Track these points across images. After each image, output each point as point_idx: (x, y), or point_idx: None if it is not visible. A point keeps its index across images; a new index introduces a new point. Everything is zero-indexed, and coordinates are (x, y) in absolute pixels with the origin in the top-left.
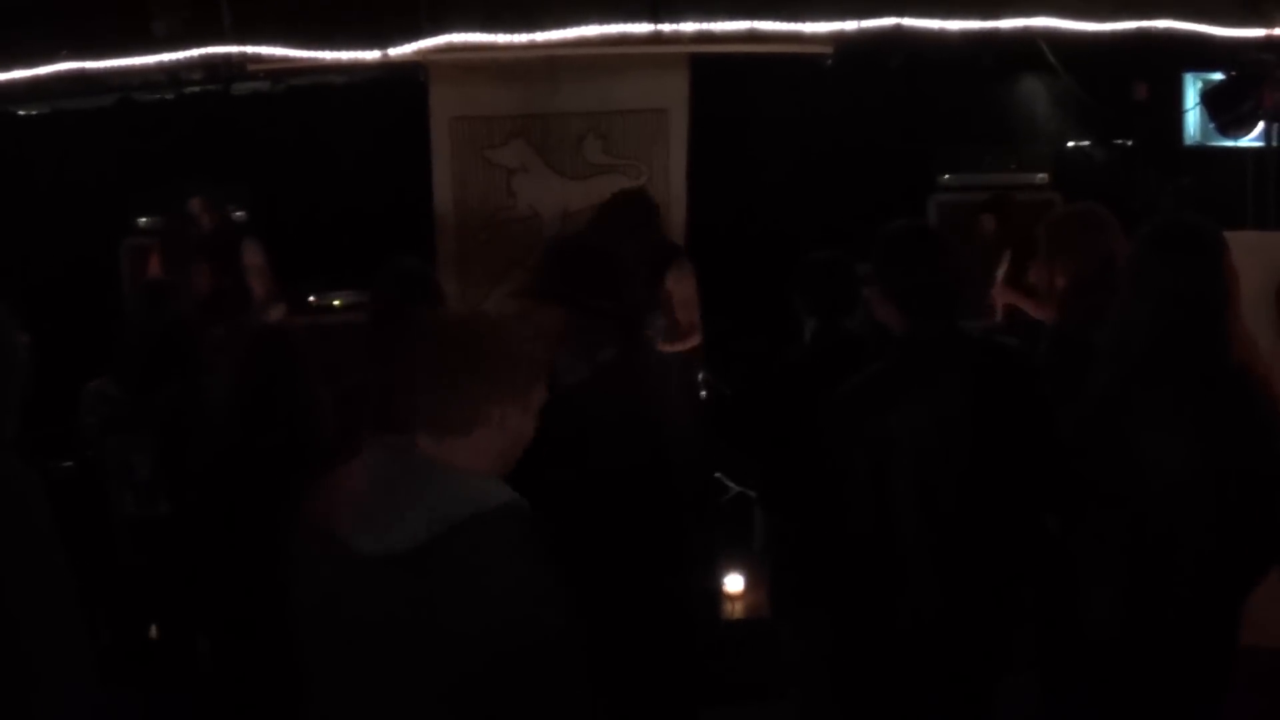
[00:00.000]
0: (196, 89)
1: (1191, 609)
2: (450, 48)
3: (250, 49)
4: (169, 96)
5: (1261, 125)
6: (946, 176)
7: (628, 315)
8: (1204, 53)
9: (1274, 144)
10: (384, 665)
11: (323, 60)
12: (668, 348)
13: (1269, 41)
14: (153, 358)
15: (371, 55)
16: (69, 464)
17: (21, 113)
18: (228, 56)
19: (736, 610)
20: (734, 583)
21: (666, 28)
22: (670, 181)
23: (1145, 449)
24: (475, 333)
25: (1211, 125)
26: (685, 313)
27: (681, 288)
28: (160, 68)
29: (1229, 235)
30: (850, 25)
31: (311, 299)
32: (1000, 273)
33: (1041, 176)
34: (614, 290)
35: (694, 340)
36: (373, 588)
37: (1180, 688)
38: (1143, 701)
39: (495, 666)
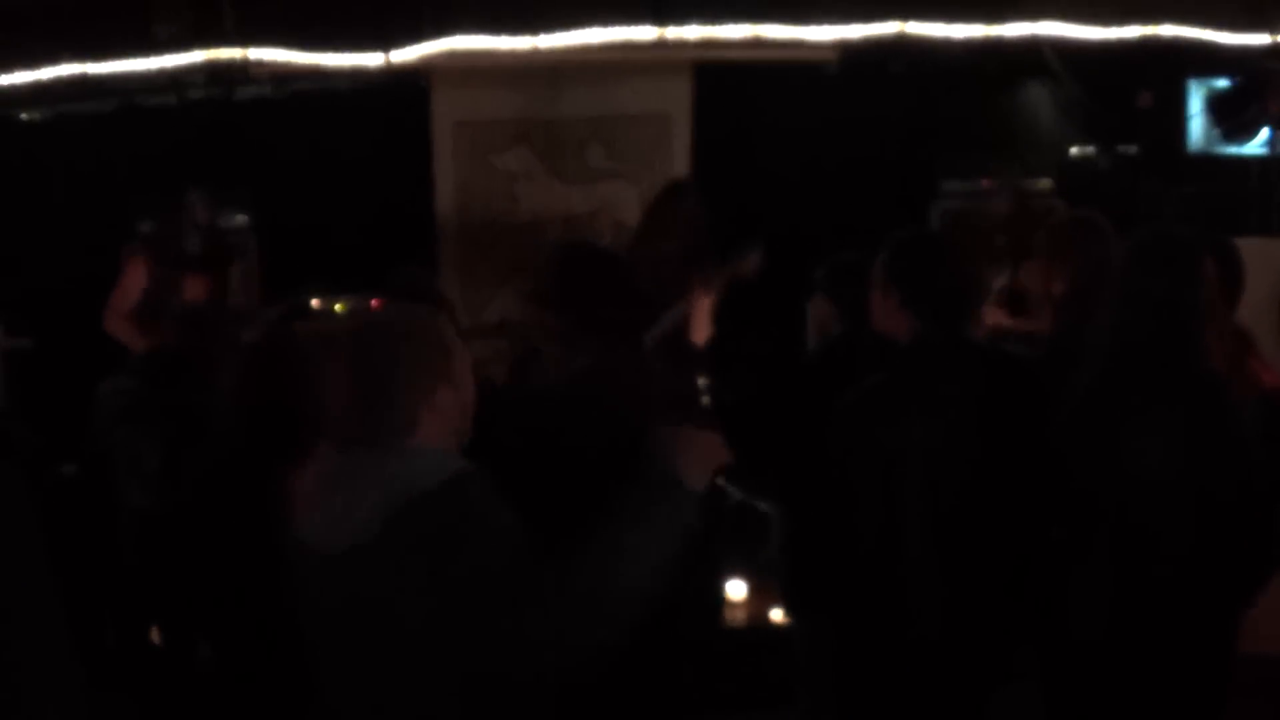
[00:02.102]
0: (199, 94)
1: (1173, 608)
2: (453, 52)
3: (252, 53)
4: (171, 101)
5: (1266, 132)
6: (949, 183)
7: (623, 322)
8: (1208, 59)
9: (1278, 151)
10: (370, 654)
11: (325, 65)
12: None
13: (1274, 48)
14: (170, 352)
15: (374, 60)
16: (70, 468)
17: (23, 117)
18: (230, 61)
19: (739, 618)
20: (736, 590)
21: (670, 33)
22: None
23: (1124, 450)
24: (376, 339)
25: (1216, 132)
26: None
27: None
28: (162, 72)
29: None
30: (854, 31)
31: (314, 304)
32: (997, 286)
33: (1045, 183)
34: (615, 297)
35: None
36: (341, 581)
37: (1170, 692)
38: (1133, 706)
39: (468, 623)
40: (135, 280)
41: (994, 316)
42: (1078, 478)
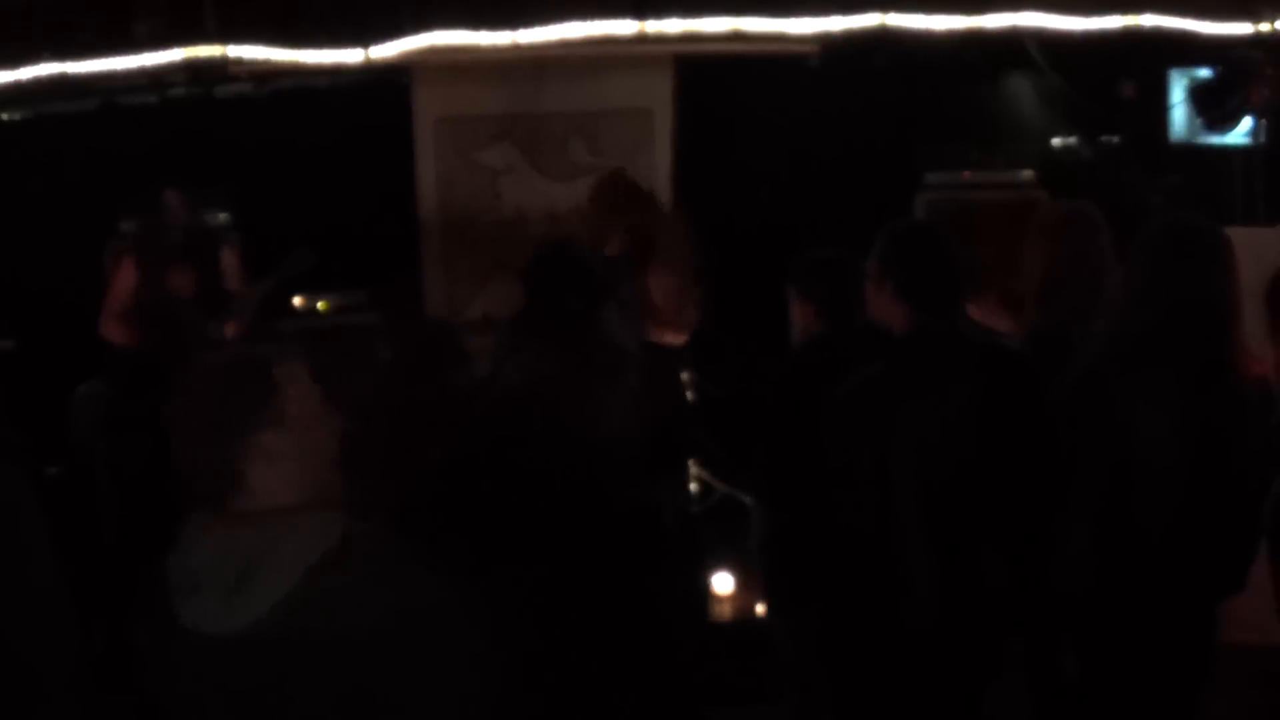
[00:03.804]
0: (179, 92)
1: (1161, 589)
2: (433, 48)
3: (232, 51)
4: (152, 100)
5: (1249, 122)
6: (932, 175)
7: (578, 318)
8: (1191, 49)
9: (1261, 140)
10: None
11: (305, 62)
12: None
13: (1256, 38)
14: (146, 359)
15: (354, 56)
16: (54, 470)
17: (3, 117)
18: (210, 59)
19: (725, 612)
20: (723, 584)
21: (651, 27)
22: (655, 182)
23: (1129, 420)
24: (188, 377)
25: (1198, 122)
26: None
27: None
28: (142, 71)
29: None
30: (835, 24)
31: (297, 302)
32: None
33: (1028, 174)
34: (571, 291)
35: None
36: (238, 664)
37: (1159, 674)
38: (1123, 688)
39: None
40: (125, 281)
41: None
42: (1084, 440)
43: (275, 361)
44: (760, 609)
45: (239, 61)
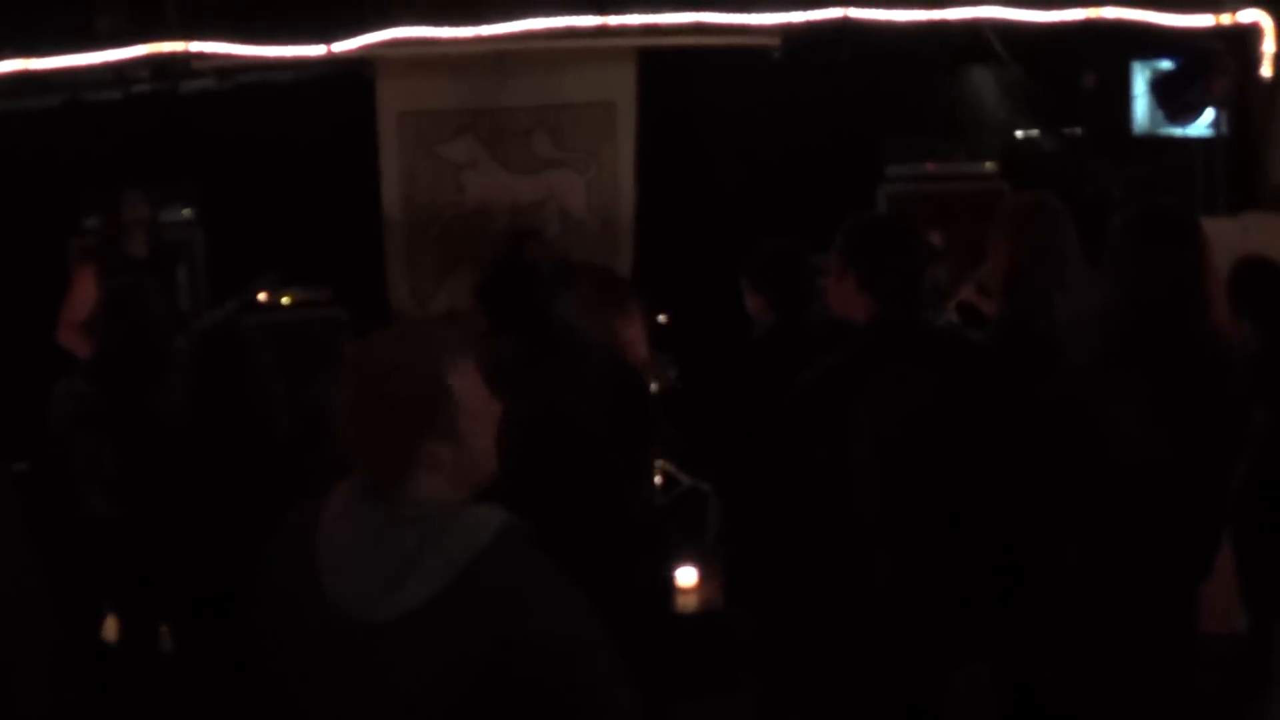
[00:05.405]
0: (144, 88)
1: (1148, 584)
2: (396, 42)
3: (194, 46)
4: (115, 95)
5: (1210, 113)
6: (895, 166)
7: (535, 322)
8: (1152, 41)
9: (1222, 131)
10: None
11: (268, 57)
12: None
13: (1217, 29)
14: (126, 354)
15: (317, 51)
16: (22, 466)
17: None
18: (173, 54)
19: (689, 604)
20: (686, 576)
21: (613, 20)
22: (619, 175)
23: (1110, 423)
24: (377, 373)
25: (1160, 113)
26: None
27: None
28: (106, 66)
29: None
30: (797, 17)
31: (260, 297)
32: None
33: (990, 165)
34: (528, 295)
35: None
36: (385, 653)
37: (1139, 666)
38: (1102, 680)
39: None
40: (85, 291)
41: (966, 292)
42: (1067, 445)
43: (451, 367)
44: (723, 600)
45: (202, 56)
